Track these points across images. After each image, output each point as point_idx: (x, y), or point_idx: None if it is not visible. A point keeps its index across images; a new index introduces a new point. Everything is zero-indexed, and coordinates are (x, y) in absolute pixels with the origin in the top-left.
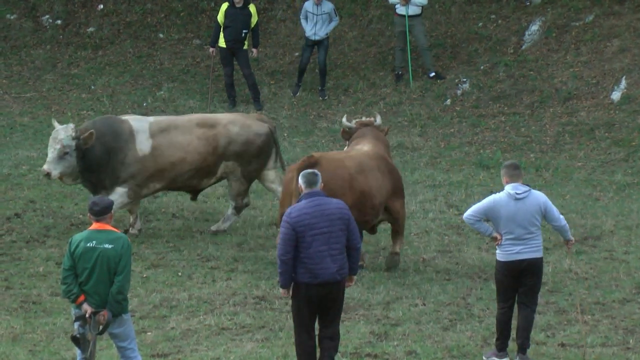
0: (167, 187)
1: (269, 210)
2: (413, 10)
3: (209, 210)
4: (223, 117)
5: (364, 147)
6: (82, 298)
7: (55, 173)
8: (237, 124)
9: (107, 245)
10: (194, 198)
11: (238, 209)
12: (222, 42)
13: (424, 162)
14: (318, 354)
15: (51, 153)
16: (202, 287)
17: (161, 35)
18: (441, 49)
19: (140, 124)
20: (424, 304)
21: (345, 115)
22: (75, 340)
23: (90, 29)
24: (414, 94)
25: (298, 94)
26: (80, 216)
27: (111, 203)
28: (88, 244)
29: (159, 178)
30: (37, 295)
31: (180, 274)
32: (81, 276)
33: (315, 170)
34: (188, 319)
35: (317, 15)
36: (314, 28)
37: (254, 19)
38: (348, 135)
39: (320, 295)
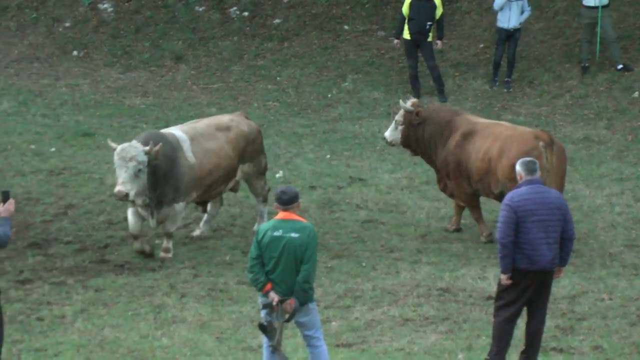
0: (200, 197)
1: (452, 203)
2: (601, 1)
3: (392, 201)
4: (229, 119)
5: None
6: (269, 286)
7: (132, 193)
8: (243, 123)
9: (293, 234)
10: (205, 210)
11: (265, 199)
12: (406, 34)
13: (610, 155)
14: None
15: (125, 172)
16: (385, 278)
17: (346, 27)
18: (629, 41)
19: (180, 134)
20: (611, 299)
21: (402, 99)
22: (263, 328)
23: (277, 21)
24: (601, 86)
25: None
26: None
27: (298, 193)
28: (275, 233)
29: (198, 187)
30: (224, 283)
31: (364, 264)
32: (268, 265)
33: (534, 159)
34: (372, 310)
35: (512, 2)
36: (509, 17)
37: (439, 11)
38: (412, 117)
39: (534, 283)
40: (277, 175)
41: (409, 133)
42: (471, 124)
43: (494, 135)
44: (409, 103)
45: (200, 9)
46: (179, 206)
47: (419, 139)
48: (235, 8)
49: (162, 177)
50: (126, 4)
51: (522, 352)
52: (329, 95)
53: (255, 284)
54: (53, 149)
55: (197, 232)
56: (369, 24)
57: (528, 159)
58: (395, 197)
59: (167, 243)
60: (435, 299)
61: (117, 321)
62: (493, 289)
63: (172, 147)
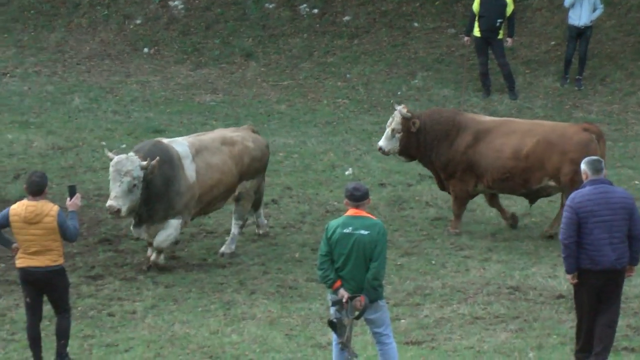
0: (199, 213)
1: (523, 201)
2: None
3: None
4: (235, 134)
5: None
6: (338, 283)
7: (124, 209)
8: (249, 139)
9: (363, 232)
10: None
11: (242, 226)
12: (477, 31)
13: None
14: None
15: (118, 187)
16: (455, 275)
17: (416, 24)
18: None
19: (183, 149)
20: None
21: (402, 105)
22: (332, 325)
23: (346, 18)
24: None
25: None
26: (336, 203)
27: (368, 190)
28: (344, 230)
29: (198, 203)
30: (293, 280)
31: (433, 262)
32: (337, 262)
33: (600, 158)
34: (441, 308)
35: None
36: (580, 14)
37: (510, 8)
38: (410, 125)
39: (600, 282)
40: (347, 173)
41: (409, 140)
42: (479, 122)
43: (520, 132)
44: (404, 109)
45: (270, 6)
46: (175, 222)
47: (420, 144)
48: (305, 5)
49: (155, 195)
50: (197, 1)
51: (594, 352)
52: (399, 93)
53: (324, 281)
54: (124, 146)
55: (232, 249)
56: (439, 21)
57: (594, 158)
58: None
59: (156, 258)
60: (505, 297)
61: (187, 317)
62: (564, 288)
63: (171, 166)
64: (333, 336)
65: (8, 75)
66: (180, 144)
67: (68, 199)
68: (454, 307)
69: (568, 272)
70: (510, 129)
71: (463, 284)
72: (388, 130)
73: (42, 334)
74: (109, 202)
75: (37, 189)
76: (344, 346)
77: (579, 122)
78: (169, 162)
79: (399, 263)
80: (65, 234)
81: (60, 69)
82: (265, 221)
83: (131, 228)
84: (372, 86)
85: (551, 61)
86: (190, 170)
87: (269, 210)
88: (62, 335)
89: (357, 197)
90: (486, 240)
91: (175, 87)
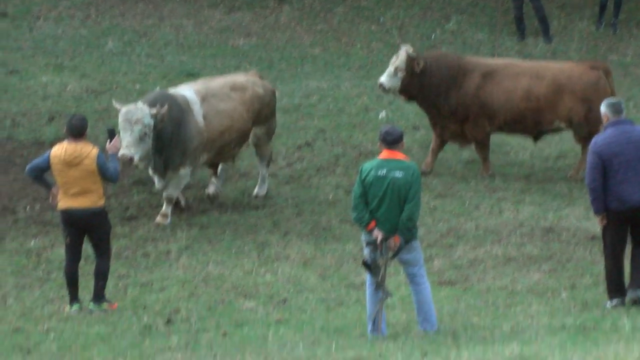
0: (211, 160)
1: (557, 143)
2: None
3: (496, 141)
4: (246, 80)
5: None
6: (372, 224)
7: (137, 157)
8: (259, 85)
9: (397, 173)
10: (215, 172)
11: (269, 163)
12: None
13: None
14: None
15: (129, 136)
16: (489, 217)
17: None
18: None
19: (190, 95)
20: None
21: (409, 45)
22: (367, 265)
23: None
24: None
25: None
26: (369, 146)
27: (403, 132)
28: (379, 172)
29: (208, 150)
30: (327, 221)
31: (467, 204)
32: (371, 203)
33: (620, 99)
34: (475, 249)
35: None
36: None
37: None
38: (415, 65)
39: (629, 220)
40: (380, 116)
41: (412, 80)
42: (484, 64)
43: (529, 74)
44: (411, 49)
45: None
46: (184, 171)
47: (424, 85)
48: None
49: (168, 142)
50: None
51: (629, 286)
52: (433, 37)
53: (359, 222)
54: (157, 89)
55: (211, 190)
56: None
57: (614, 100)
58: (499, 137)
59: (166, 208)
60: (538, 239)
61: (221, 257)
62: (597, 229)
63: (180, 110)
64: (367, 276)
65: (42, 18)
66: (188, 90)
67: (108, 141)
68: (487, 248)
69: (596, 213)
70: (517, 71)
71: (496, 225)
72: (391, 68)
73: (79, 272)
74: (122, 152)
75: (77, 132)
76: (379, 286)
77: (585, 61)
78: (177, 108)
79: (432, 205)
80: (106, 176)
81: (94, 12)
82: (266, 185)
83: (155, 183)
84: (406, 30)
85: (586, 4)
86: (198, 115)
87: (303, 153)
88: (101, 277)
89: (391, 140)
90: (520, 182)
91: (209, 30)
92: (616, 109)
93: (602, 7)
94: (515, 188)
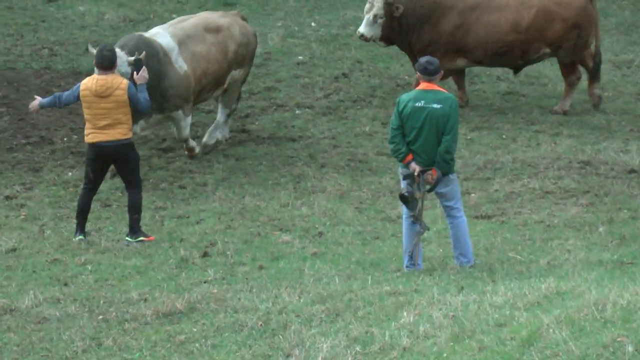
0: None
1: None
2: None
3: (533, 73)
4: (221, 20)
5: None
6: (410, 157)
7: None
8: (235, 25)
9: (435, 105)
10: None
11: (231, 114)
12: None
13: None
14: None
15: None
16: (526, 150)
17: None
18: None
19: (167, 41)
20: None
21: None
22: (404, 198)
23: None
24: None
25: None
26: (406, 77)
27: (440, 64)
28: (416, 104)
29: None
30: (363, 154)
31: (504, 136)
32: (409, 135)
33: None
34: (512, 182)
35: None
36: None
37: None
38: (394, 9)
39: None
40: None
41: (392, 25)
42: (462, 0)
43: (514, 5)
44: None
45: None
46: (178, 114)
47: (402, 28)
48: None
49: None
50: None
51: None
52: None
53: (396, 154)
54: (135, 33)
55: (217, 137)
56: None
57: None
58: (537, 69)
59: (189, 144)
60: (576, 172)
61: (258, 190)
62: (635, 163)
63: (158, 60)
64: (403, 209)
65: None
66: (163, 36)
67: (134, 72)
68: (524, 181)
69: None
70: (500, 4)
71: (533, 158)
72: (369, 16)
73: (115, 205)
74: None
75: (108, 63)
76: (416, 219)
77: None
78: (155, 56)
79: (469, 137)
80: (137, 107)
81: None
82: (220, 133)
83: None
84: None
85: None
86: (179, 62)
87: (340, 84)
88: (135, 210)
89: (430, 71)
90: (557, 115)
91: None
92: None
93: None
94: (552, 121)
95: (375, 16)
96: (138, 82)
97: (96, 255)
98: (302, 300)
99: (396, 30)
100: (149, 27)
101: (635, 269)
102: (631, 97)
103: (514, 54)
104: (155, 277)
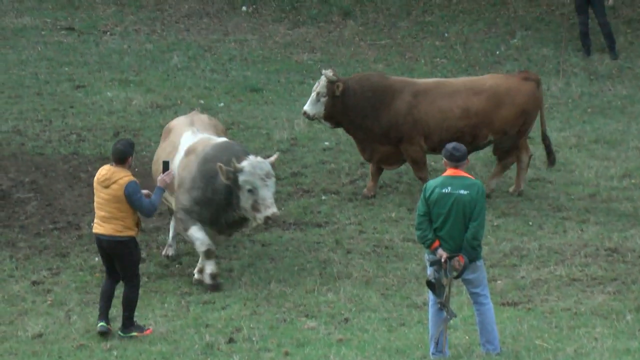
0: None
1: (622, 162)
2: None
3: (560, 159)
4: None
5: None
6: (436, 243)
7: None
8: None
9: (462, 191)
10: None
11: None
12: None
13: None
14: None
15: (269, 191)
16: (552, 237)
17: None
18: None
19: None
20: None
21: (330, 69)
22: (431, 285)
23: None
24: None
25: None
26: (432, 163)
27: (467, 150)
28: (443, 190)
29: None
30: (389, 240)
31: (531, 223)
32: (436, 222)
33: None
34: (538, 269)
35: None
36: None
37: None
38: (335, 88)
39: None
40: None
41: (334, 104)
42: (413, 84)
43: (464, 91)
44: (330, 73)
45: None
46: None
47: (348, 108)
48: None
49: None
50: None
51: None
52: (497, 52)
53: (423, 241)
54: (222, 104)
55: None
56: None
57: None
58: (564, 156)
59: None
60: (603, 259)
61: (284, 275)
62: None
63: None
64: (429, 296)
65: (108, 33)
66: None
67: (161, 174)
68: (551, 268)
69: None
70: (451, 90)
71: (560, 245)
72: (313, 95)
73: (141, 290)
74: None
75: (118, 157)
76: (443, 306)
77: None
78: None
79: (495, 224)
80: (136, 207)
81: (160, 27)
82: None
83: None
84: (470, 45)
85: None
86: None
87: (366, 170)
88: (126, 306)
89: (457, 157)
90: (584, 202)
91: (273, 45)
92: None
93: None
94: (579, 207)
95: (318, 94)
96: (158, 184)
97: (122, 341)
98: None
99: (340, 111)
100: (176, 113)
101: None
102: None
103: (464, 140)
104: None
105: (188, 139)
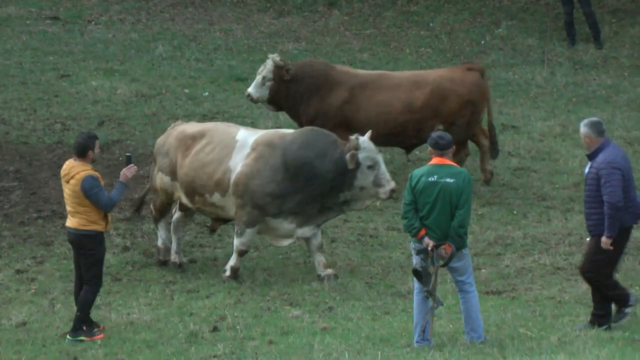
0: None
1: None
2: None
3: (545, 149)
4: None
5: None
6: (423, 232)
7: None
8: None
9: (448, 180)
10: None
11: None
12: None
13: None
14: None
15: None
16: (537, 226)
17: None
18: None
19: None
20: None
21: (276, 54)
22: (417, 273)
23: None
24: None
25: None
26: (417, 152)
27: (452, 139)
28: (429, 179)
29: None
30: (374, 229)
31: (515, 212)
32: (422, 210)
33: (600, 120)
34: (522, 258)
35: None
36: None
37: None
38: (284, 73)
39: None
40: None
41: (279, 89)
42: (354, 76)
43: (407, 85)
44: (277, 57)
45: None
46: None
47: (290, 94)
48: None
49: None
50: None
51: None
52: (483, 42)
53: (409, 229)
54: (206, 94)
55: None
56: None
57: (595, 119)
58: (548, 145)
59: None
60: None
61: (268, 264)
62: None
63: None
64: (414, 284)
65: (93, 22)
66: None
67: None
68: (535, 257)
69: (613, 235)
70: (392, 83)
71: (544, 234)
72: (258, 78)
73: (125, 279)
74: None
75: (78, 151)
76: (429, 294)
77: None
78: None
79: (480, 213)
80: (93, 201)
81: (145, 17)
82: None
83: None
84: (456, 35)
85: (638, 10)
86: None
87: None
88: (80, 307)
89: (442, 146)
90: (568, 191)
91: (258, 35)
92: (599, 129)
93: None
94: (563, 196)
95: (263, 78)
96: (120, 179)
97: (106, 329)
98: None
99: (283, 96)
100: (161, 102)
101: None
102: None
103: (407, 134)
104: (164, 351)
105: (249, 135)
